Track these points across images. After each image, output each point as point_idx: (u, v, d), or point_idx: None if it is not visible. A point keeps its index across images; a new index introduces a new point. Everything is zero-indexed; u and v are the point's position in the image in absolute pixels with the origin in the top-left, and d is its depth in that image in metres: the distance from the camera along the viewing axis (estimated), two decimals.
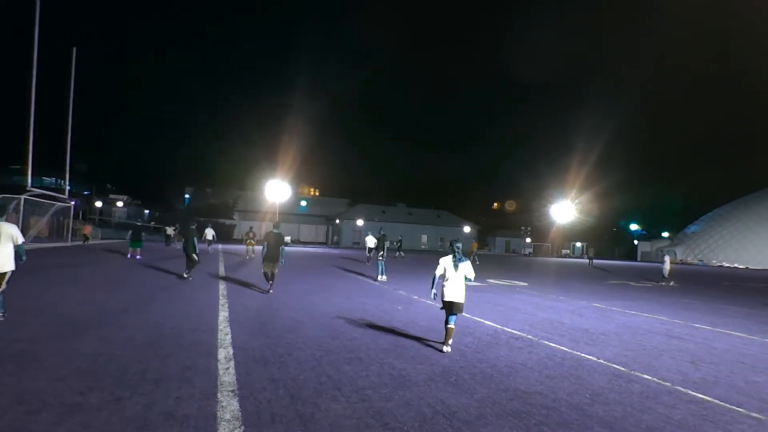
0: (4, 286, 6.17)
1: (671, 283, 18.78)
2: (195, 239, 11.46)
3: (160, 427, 3.11)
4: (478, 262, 27.60)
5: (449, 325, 5.69)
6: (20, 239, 6.32)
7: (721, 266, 47.99)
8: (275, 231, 10.12)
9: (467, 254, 30.43)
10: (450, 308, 5.68)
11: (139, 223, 19.80)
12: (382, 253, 14.40)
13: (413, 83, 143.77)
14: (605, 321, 8.55)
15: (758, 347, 6.87)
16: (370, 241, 22.11)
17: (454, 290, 5.67)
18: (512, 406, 3.87)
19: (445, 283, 5.76)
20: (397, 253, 30.93)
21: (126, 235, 36.13)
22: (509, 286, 14.13)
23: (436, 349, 5.71)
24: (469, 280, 5.80)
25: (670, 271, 19.49)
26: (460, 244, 5.98)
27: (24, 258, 6.55)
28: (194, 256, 11.47)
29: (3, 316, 6.23)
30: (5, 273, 6.18)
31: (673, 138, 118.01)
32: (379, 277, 14.14)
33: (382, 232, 14.80)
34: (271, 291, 10.10)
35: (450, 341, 5.70)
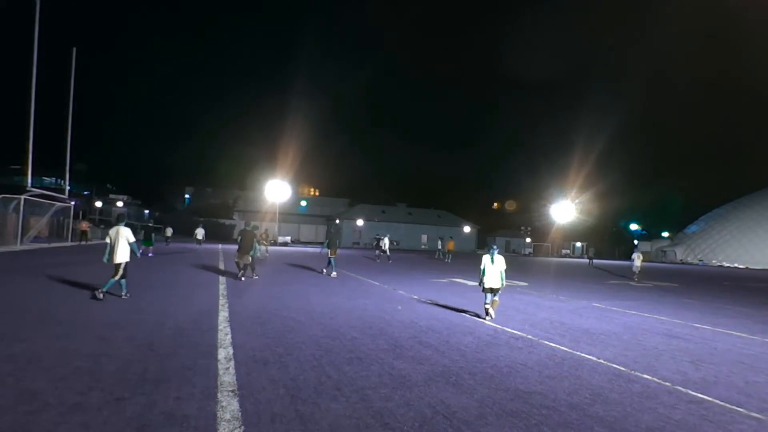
0: (121, 272, 8.01)
1: (636, 280, 19.34)
2: (254, 240, 12.23)
3: (160, 427, 3.11)
4: (449, 261, 27.67)
5: (494, 298, 8.04)
6: (132, 238, 8.14)
7: (721, 266, 47.98)
8: (248, 228, 12.18)
9: (445, 253, 31.18)
10: (491, 291, 7.94)
11: (150, 224, 20.82)
12: (329, 250, 14.66)
13: (413, 83, 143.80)
14: (605, 321, 8.55)
15: (758, 347, 6.87)
16: (384, 242, 26.24)
17: (492, 279, 7.89)
18: (512, 406, 3.87)
19: (485, 274, 7.90)
20: (377, 251, 32.35)
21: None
22: (509, 286, 14.12)
23: (437, 348, 5.72)
24: (502, 272, 7.95)
25: (640, 268, 20.02)
26: (495, 245, 8.51)
27: (138, 254, 8.47)
28: (248, 256, 12.00)
29: (126, 295, 8.17)
30: (122, 263, 8.00)
31: (674, 138, 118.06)
32: (327, 272, 14.70)
33: (332, 229, 15.22)
34: (256, 276, 12.04)
35: (494, 309, 8.08)
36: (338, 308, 8.45)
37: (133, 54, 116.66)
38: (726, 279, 25.18)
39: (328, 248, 14.61)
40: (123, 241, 8.01)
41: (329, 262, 14.64)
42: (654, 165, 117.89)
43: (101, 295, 7.87)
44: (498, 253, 8.10)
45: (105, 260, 8.10)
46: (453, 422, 3.46)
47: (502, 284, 7.97)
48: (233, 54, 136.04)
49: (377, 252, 32.65)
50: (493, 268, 7.92)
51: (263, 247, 22.24)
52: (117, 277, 7.99)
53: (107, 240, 8.13)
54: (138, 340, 5.35)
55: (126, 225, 8.27)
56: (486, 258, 8.03)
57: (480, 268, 8.03)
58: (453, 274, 17.52)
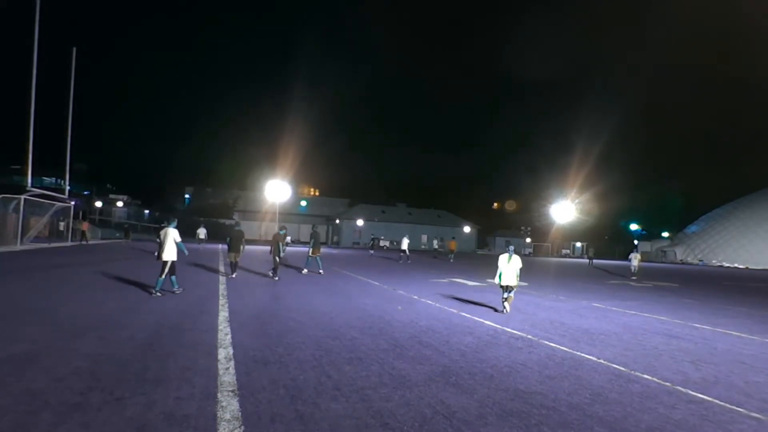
0: (167, 270, 8.70)
1: (633, 278, 20.17)
2: (279, 244, 12.70)
3: (160, 427, 3.11)
4: (452, 260, 28.23)
5: (508, 295, 8.68)
6: (178, 239, 8.88)
7: (721, 266, 47.97)
8: (236, 228, 12.90)
9: (445, 253, 32.13)
10: (507, 287, 8.61)
11: (164, 225, 21.18)
12: (312, 249, 15.24)
13: (413, 83, 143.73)
14: (605, 321, 8.55)
15: (758, 347, 6.87)
16: (404, 243, 26.02)
17: (508, 276, 8.56)
18: (512, 406, 3.87)
19: (502, 271, 8.56)
20: (371, 251, 33.77)
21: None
22: None
23: (437, 348, 5.72)
24: (517, 270, 8.59)
25: (638, 268, 20.78)
26: (512, 246, 9.42)
27: (186, 252, 9.28)
28: (276, 258, 12.66)
29: (179, 290, 9.05)
30: (169, 261, 8.71)
31: (673, 138, 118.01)
32: (314, 269, 15.37)
33: (315, 229, 16.10)
34: (233, 276, 12.43)
35: (509, 304, 8.77)
36: (338, 308, 8.44)
37: (133, 54, 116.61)
38: (726, 279, 25.18)
39: (312, 247, 15.27)
40: (170, 241, 8.74)
41: (308, 261, 15.39)
42: (654, 165, 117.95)
43: (159, 294, 8.64)
44: (514, 252, 8.81)
45: (156, 257, 8.94)
46: (453, 422, 3.46)
47: (517, 282, 8.65)
48: (233, 54, 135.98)
49: (371, 251, 33.52)
50: (509, 266, 8.54)
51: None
52: (164, 276, 8.69)
53: (157, 239, 9.08)
54: (138, 340, 5.35)
55: (175, 227, 9.01)
56: (503, 257, 8.71)
57: (498, 267, 8.73)
58: (453, 274, 17.51)
